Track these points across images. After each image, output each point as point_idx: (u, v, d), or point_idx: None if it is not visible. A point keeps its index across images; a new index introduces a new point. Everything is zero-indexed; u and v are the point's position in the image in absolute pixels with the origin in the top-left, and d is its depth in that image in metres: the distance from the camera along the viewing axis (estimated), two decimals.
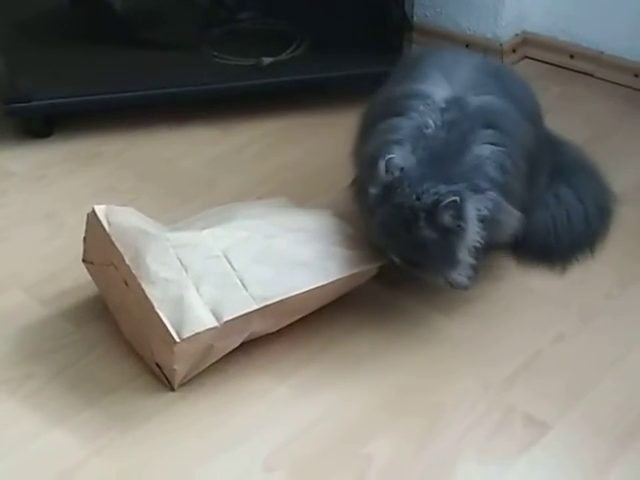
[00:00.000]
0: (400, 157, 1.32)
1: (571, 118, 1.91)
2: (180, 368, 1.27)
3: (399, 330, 1.41)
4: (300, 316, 1.37)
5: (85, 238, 1.41)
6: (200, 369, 1.30)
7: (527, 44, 2.20)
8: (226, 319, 1.26)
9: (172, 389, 1.29)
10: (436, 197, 1.27)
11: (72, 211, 1.65)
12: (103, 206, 1.37)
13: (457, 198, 1.26)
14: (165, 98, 1.93)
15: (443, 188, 1.28)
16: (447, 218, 1.28)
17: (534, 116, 1.48)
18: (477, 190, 1.31)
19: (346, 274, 1.37)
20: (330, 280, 1.35)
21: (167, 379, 1.29)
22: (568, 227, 1.52)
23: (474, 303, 1.46)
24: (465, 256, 1.33)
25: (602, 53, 2.09)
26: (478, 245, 1.33)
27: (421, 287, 1.48)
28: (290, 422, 1.25)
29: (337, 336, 1.39)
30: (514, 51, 2.19)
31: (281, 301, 1.30)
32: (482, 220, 1.31)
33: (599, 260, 1.54)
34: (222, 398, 1.29)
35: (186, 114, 1.95)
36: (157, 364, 1.29)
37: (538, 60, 2.18)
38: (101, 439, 1.23)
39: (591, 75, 2.11)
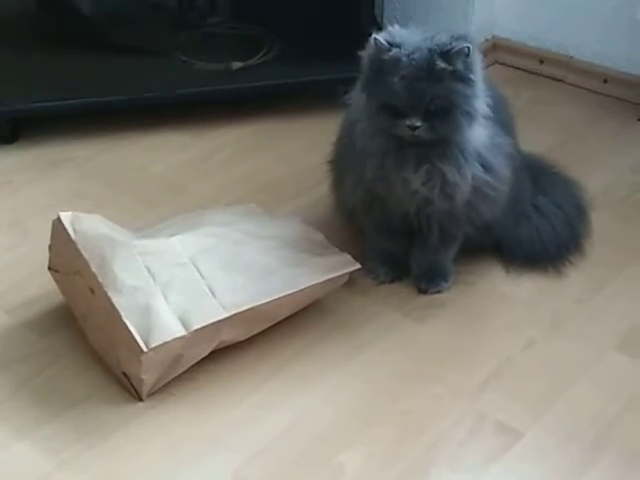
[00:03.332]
0: (390, 33, 1.31)
1: (541, 123, 1.92)
2: (148, 378, 1.25)
3: (370, 337, 1.40)
4: (270, 324, 1.36)
5: (50, 246, 1.39)
6: (169, 378, 1.28)
7: (497, 49, 2.21)
8: (195, 327, 1.24)
9: (140, 399, 1.27)
10: (450, 40, 1.28)
11: (37, 218, 1.62)
12: (69, 213, 1.35)
13: (469, 45, 1.27)
14: (134, 103, 1.91)
15: (452, 36, 1.29)
16: (460, 63, 1.28)
17: (510, 126, 1.49)
18: None
19: (316, 281, 1.36)
20: (300, 288, 1.34)
21: (135, 389, 1.27)
22: (553, 234, 1.54)
23: (445, 309, 1.46)
24: (480, 109, 1.32)
25: (572, 58, 2.10)
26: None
27: (392, 294, 1.47)
28: (261, 432, 1.24)
29: (308, 344, 1.38)
30: (484, 56, 2.18)
31: (251, 309, 1.29)
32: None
33: (570, 265, 1.54)
34: (191, 408, 1.27)
35: (156, 119, 1.93)
36: (124, 374, 1.27)
37: (508, 65, 2.19)
38: (66, 452, 1.20)
39: (561, 80, 2.12)
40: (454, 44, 1.28)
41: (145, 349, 1.21)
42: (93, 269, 1.27)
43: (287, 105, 1.98)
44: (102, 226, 1.36)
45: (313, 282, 1.35)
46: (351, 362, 1.35)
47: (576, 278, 1.52)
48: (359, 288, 1.47)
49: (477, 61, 1.32)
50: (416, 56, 1.28)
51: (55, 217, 1.35)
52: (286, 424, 1.25)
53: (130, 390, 1.27)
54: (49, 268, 1.40)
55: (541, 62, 2.14)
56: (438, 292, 1.47)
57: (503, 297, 1.48)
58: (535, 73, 2.15)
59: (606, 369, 1.34)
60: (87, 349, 1.35)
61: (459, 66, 1.29)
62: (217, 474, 1.18)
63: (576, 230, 1.57)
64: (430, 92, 1.28)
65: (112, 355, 1.29)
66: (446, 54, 1.28)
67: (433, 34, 1.31)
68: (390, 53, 1.29)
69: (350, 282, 1.43)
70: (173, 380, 1.29)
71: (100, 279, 1.26)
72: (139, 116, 1.92)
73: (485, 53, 2.18)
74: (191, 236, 1.37)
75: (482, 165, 1.36)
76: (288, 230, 1.45)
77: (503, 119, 1.43)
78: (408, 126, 1.30)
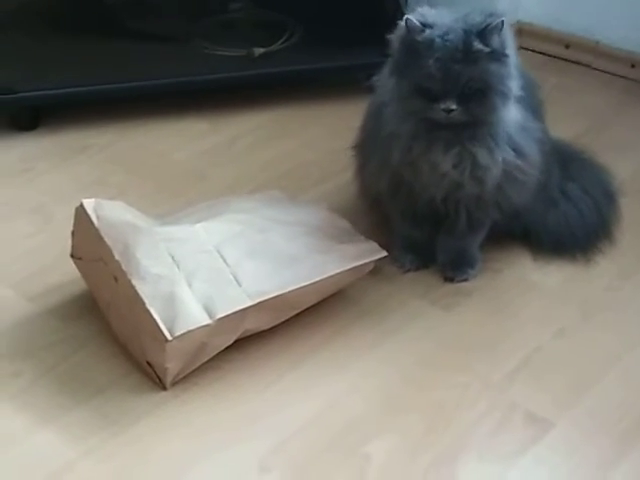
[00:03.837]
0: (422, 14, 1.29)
1: (567, 110, 1.89)
2: (172, 367, 1.23)
3: (396, 325, 1.38)
4: (295, 312, 1.34)
5: (73, 233, 1.37)
6: (193, 367, 1.27)
7: (522, 34, 2.17)
8: (219, 316, 1.23)
9: (164, 388, 1.26)
10: (484, 17, 1.26)
11: (59, 205, 1.61)
12: (92, 200, 1.33)
13: (504, 19, 1.25)
14: (155, 90, 1.89)
15: (485, 13, 1.27)
16: (496, 39, 1.25)
17: (540, 110, 1.46)
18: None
19: (342, 269, 1.33)
20: (326, 275, 1.31)
21: (159, 378, 1.25)
22: (581, 221, 1.51)
23: (472, 297, 1.43)
24: (513, 95, 1.29)
25: (598, 43, 2.06)
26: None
27: (418, 282, 1.45)
28: (287, 420, 1.22)
29: (333, 332, 1.36)
30: None
31: (276, 297, 1.27)
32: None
33: (599, 253, 1.51)
34: (216, 397, 1.25)
35: (176, 106, 1.91)
36: (148, 362, 1.26)
37: (533, 51, 2.15)
38: (91, 440, 1.19)
39: (587, 66, 2.08)
40: (488, 20, 1.25)
41: (169, 337, 1.19)
42: (116, 256, 1.25)
43: (309, 91, 1.96)
44: (125, 213, 1.34)
45: (340, 270, 1.33)
46: (377, 351, 1.33)
47: (605, 266, 1.49)
48: (384, 276, 1.44)
49: (510, 37, 1.29)
50: (450, 37, 1.25)
51: (77, 204, 1.33)
52: (312, 413, 1.23)
53: (154, 379, 1.26)
54: (72, 255, 1.39)
55: (567, 47, 2.11)
56: (465, 280, 1.45)
57: (531, 285, 1.45)
58: (561, 58, 2.12)
59: (637, 360, 1.32)
60: (111, 337, 1.34)
61: (495, 44, 1.26)
62: (242, 463, 1.16)
63: (605, 217, 1.54)
64: (466, 74, 1.26)
65: (136, 343, 1.28)
66: (482, 33, 1.25)
67: (464, 14, 1.28)
68: (424, 34, 1.26)
69: (375, 270, 1.41)
70: (197, 369, 1.27)
71: (123, 267, 1.24)
72: (159, 103, 1.91)
73: None
74: (216, 223, 1.35)
75: (513, 149, 1.34)
76: (313, 217, 1.43)
77: (533, 103, 1.40)
78: (443, 109, 1.27)
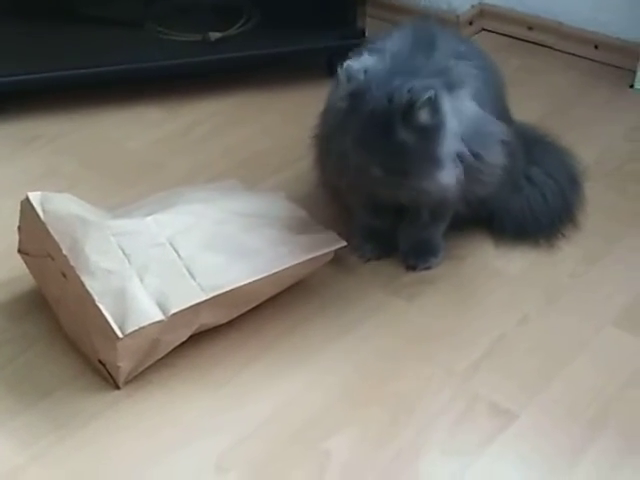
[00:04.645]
0: (361, 62, 1.25)
1: (531, 91, 1.87)
2: (124, 365, 1.19)
3: (358, 317, 1.34)
4: (253, 306, 1.30)
5: (20, 227, 1.32)
6: (146, 365, 1.23)
7: (484, 16, 2.14)
8: (173, 311, 1.19)
9: (117, 387, 1.22)
10: (409, 96, 1.20)
11: (7, 198, 1.54)
12: (38, 193, 1.29)
13: (432, 93, 1.19)
14: (107, 77, 1.84)
15: (416, 83, 1.21)
16: (424, 116, 1.21)
17: (502, 103, 1.43)
18: (453, 86, 1.25)
19: (300, 260, 1.30)
20: (283, 267, 1.28)
21: (111, 377, 1.21)
22: (545, 206, 1.48)
23: (435, 286, 1.40)
24: (448, 158, 1.25)
25: (561, 24, 2.04)
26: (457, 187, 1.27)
27: (380, 271, 1.42)
28: (244, 418, 1.19)
29: (292, 325, 1.32)
30: (471, 23, 2.13)
31: (232, 291, 1.23)
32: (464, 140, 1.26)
33: (563, 238, 1.48)
34: (171, 395, 1.22)
35: (131, 93, 1.86)
36: (100, 361, 1.21)
37: (496, 32, 2.13)
38: (39, 444, 1.15)
39: (551, 47, 2.06)
40: (415, 98, 1.19)
41: (120, 335, 1.15)
42: (64, 251, 1.21)
43: (267, 77, 1.92)
44: (74, 206, 1.29)
45: (296, 261, 1.29)
46: (337, 344, 1.30)
47: (570, 251, 1.47)
48: (345, 266, 1.41)
49: (444, 103, 1.23)
50: (377, 110, 1.21)
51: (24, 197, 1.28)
52: (271, 410, 1.20)
53: (106, 378, 1.22)
54: (19, 251, 1.34)
55: (530, 29, 2.08)
56: (427, 268, 1.42)
57: (495, 272, 1.43)
58: (524, 40, 2.09)
59: (604, 345, 1.30)
60: (61, 335, 1.29)
61: (422, 120, 1.21)
62: (199, 463, 1.13)
63: (569, 201, 1.52)
64: (387, 152, 1.22)
65: (87, 342, 1.23)
66: (407, 113, 1.20)
67: (400, 80, 1.21)
68: (349, 100, 1.23)
69: (335, 260, 1.37)
70: (151, 366, 1.23)
71: (72, 262, 1.20)
72: (112, 90, 1.86)
73: (471, 20, 2.12)
74: (169, 215, 1.30)
75: (474, 154, 1.29)
76: (271, 207, 1.39)
77: (496, 101, 1.36)
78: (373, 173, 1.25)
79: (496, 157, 1.34)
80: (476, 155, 1.30)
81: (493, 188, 1.37)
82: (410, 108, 1.19)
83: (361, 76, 1.22)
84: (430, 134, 1.22)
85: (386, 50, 1.29)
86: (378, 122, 1.21)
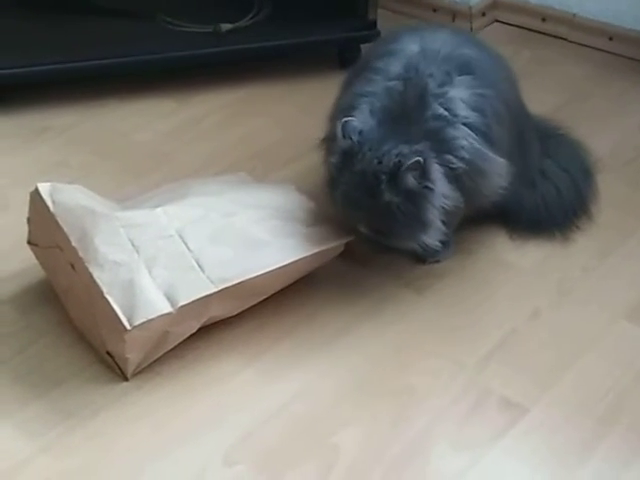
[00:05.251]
0: (359, 120, 1.27)
1: (544, 83, 1.85)
2: (133, 357, 1.18)
3: (368, 309, 1.34)
4: (262, 298, 1.29)
5: (29, 219, 1.32)
6: (155, 357, 1.22)
7: (497, 7, 2.12)
8: (181, 304, 1.18)
9: (125, 379, 1.21)
10: (397, 159, 1.22)
11: (18, 190, 1.53)
12: (47, 184, 1.28)
13: (420, 158, 1.21)
14: (118, 68, 1.83)
15: (405, 148, 1.23)
16: (410, 180, 1.23)
17: (513, 86, 1.42)
18: (445, 146, 1.26)
19: (310, 252, 1.29)
20: (293, 259, 1.27)
21: (120, 369, 1.21)
22: (559, 199, 1.47)
23: (446, 279, 1.39)
24: (435, 218, 1.27)
25: (575, 16, 2.02)
26: (455, 208, 1.28)
27: (390, 264, 1.40)
28: (252, 411, 1.18)
29: (302, 318, 1.31)
30: (484, 14, 2.11)
31: (241, 283, 1.23)
32: (458, 175, 1.26)
33: (576, 231, 1.47)
34: (180, 387, 1.21)
35: (141, 85, 1.85)
36: (108, 353, 1.21)
37: (509, 24, 2.11)
38: (48, 435, 1.15)
39: (564, 39, 2.04)
40: (402, 161, 1.21)
41: (129, 327, 1.15)
42: (73, 243, 1.20)
43: (278, 68, 1.90)
44: (83, 197, 1.29)
45: (306, 254, 1.28)
46: (347, 336, 1.29)
47: (583, 244, 1.45)
48: (355, 259, 1.40)
49: (434, 168, 1.24)
50: (366, 170, 1.23)
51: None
52: (279, 403, 1.19)
53: (115, 369, 1.22)
54: (29, 242, 1.34)
55: (543, 20, 2.06)
56: (437, 261, 1.41)
57: (506, 265, 1.41)
58: (537, 31, 2.07)
59: (616, 339, 1.29)
60: (70, 327, 1.29)
61: (409, 185, 1.23)
62: (207, 455, 1.12)
63: (583, 194, 1.51)
64: (373, 212, 1.25)
65: (95, 333, 1.23)
66: (393, 176, 1.22)
67: (392, 144, 1.23)
68: (341, 158, 1.26)
69: (345, 253, 1.36)
70: (160, 358, 1.23)
71: (81, 254, 1.19)
72: (123, 82, 1.85)
73: (484, 12, 2.10)
74: (178, 207, 1.30)
75: (472, 176, 1.29)
76: (281, 199, 1.38)
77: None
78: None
79: (494, 190, 1.34)
80: (476, 173, 1.30)
81: (499, 197, 1.37)
82: (397, 171, 1.22)
83: (356, 137, 1.25)
84: (417, 198, 1.24)
85: (382, 95, 1.30)
86: (366, 182, 1.24)
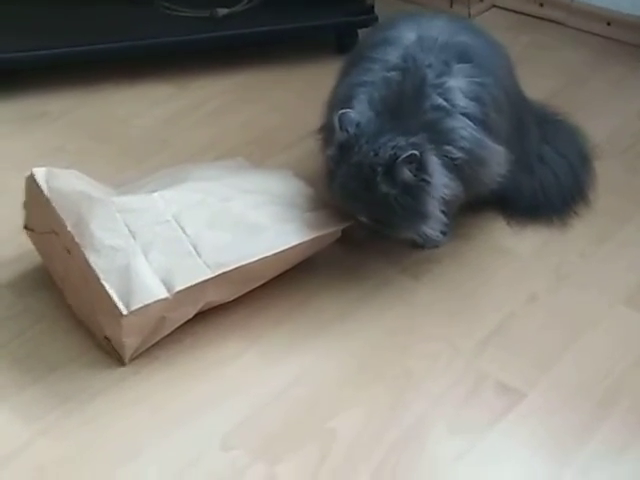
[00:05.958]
0: (356, 111, 1.27)
1: (542, 69, 1.85)
2: (130, 342, 1.19)
3: (365, 294, 1.34)
4: (259, 283, 1.29)
5: (25, 203, 1.32)
6: (153, 342, 1.22)
7: None
8: (178, 289, 1.18)
9: (123, 364, 1.21)
10: (393, 152, 1.22)
11: (15, 175, 1.52)
12: (43, 169, 1.28)
13: (416, 151, 1.21)
14: (115, 53, 1.83)
15: (402, 140, 1.23)
16: (406, 173, 1.22)
17: (511, 73, 1.42)
18: (444, 137, 1.25)
19: (307, 238, 1.29)
20: (290, 245, 1.27)
21: (117, 353, 1.21)
22: (556, 185, 1.47)
23: (443, 264, 1.39)
24: (435, 208, 1.27)
25: (572, 1, 2.01)
26: (455, 197, 1.28)
27: (388, 249, 1.40)
28: (250, 396, 1.18)
29: (299, 303, 1.32)
30: (481, 0, 2.10)
31: (238, 268, 1.22)
32: (458, 165, 1.26)
33: (574, 216, 1.47)
34: (177, 371, 1.21)
35: (138, 70, 1.84)
36: (106, 337, 1.21)
37: (506, 9, 2.10)
38: (46, 419, 1.15)
39: (562, 24, 2.03)
40: (398, 154, 1.21)
41: (125, 312, 1.15)
42: (69, 228, 1.20)
43: (275, 53, 1.90)
44: (79, 182, 1.29)
45: (303, 239, 1.28)
46: (345, 321, 1.29)
47: (581, 230, 1.45)
48: (353, 244, 1.40)
49: (430, 161, 1.24)
50: (363, 163, 1.23)
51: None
52: (277, 388, 1.19)
53: (112, 354, 1.22)
54: (25, 227, 1.33)
55: (541, 5, 2.06)
56: (435, 247, 1.41)
57: (504, 251, 1.41)
58: (535, 16, 2.06)
59: (614, 324, 1.29)
60: (67, 311, 1.29)
61: (405, 177, 1.23)
62: (204, 440, 1.13)
63: (580, 180, 1.50)
64: (371, 203, 1.25)
65: (92, 318, 1.23)
66: (389, 169, 1.22)
67: (389, 136, 1.23)
68: (338, 150, 1.26)
69: (343, 238, 1.36)
70: (158, 343, 1.23)
71: (77, 239, 1.19)
72: (121, 67, 1.84)
73: None
74: (175, 192, 1.29)
75: (472, 165, 1.29)
76: (278, 184, 1.38)
77: (505, 64, 1.33)
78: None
79: (492, 179, 1.34)
80: (472, 182, 1.31)
81: (497, 185, 1.37)
82: (392, 163, 1.22)
83: (352, 129, 1.25)
84: (414, 191, 1.24)
85: (380, 86, 1.29)
86: (362, 174, 1.24)
